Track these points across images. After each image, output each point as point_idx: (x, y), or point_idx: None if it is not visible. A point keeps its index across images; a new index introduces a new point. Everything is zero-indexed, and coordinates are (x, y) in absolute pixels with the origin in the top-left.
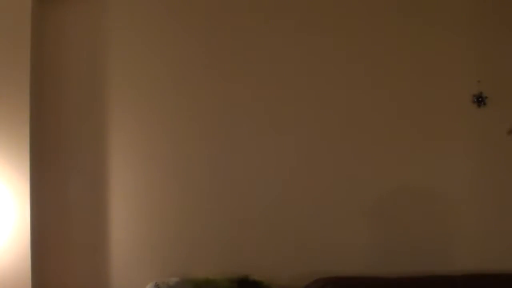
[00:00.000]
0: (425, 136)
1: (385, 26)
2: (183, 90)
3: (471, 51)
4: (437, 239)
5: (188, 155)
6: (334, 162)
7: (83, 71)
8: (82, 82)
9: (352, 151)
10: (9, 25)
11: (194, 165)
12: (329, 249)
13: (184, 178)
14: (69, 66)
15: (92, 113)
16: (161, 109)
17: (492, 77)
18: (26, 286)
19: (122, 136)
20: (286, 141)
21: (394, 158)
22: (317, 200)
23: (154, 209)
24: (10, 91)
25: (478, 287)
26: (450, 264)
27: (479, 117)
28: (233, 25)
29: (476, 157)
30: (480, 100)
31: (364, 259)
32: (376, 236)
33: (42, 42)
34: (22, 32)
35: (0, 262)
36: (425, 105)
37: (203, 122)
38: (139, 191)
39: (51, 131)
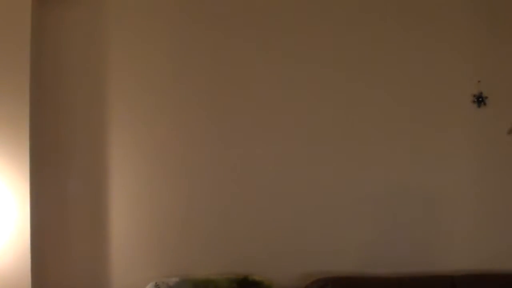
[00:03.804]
0: (425, 136)
1: (385, 26)
2: (183, 88)
3: (471, 51)
4: (437, 238)
5: (188, 155)
6: (334, 163)
7: (83, 70)
8: (82, 81)
9: (352, 152)
10: (9, 25)
11: (194, 165)
12: (329, 249)
13: (184, 178)
14: (69, 66)
15: (92, 113)
16: (161, 108)
17: (492, 77)
18: (26, 286)
19: (122, 136)
20: (287, 142)
21: (394, 158)
22: (317, 201)
23: (154, 209)
24: (10, 91)
25: (478, 287)
26: (450, 264)
27: (479, 117)
28: (233, 24)
29: (476, 157)
30: (480, 100)
31: (364, 259)
32: (377, 236)
33: (42, 42)
34: (22, 32)
35: (0, 262)
36: (425, 105)
37: (203, 122)
38: (139, 191)
39: (51, 131)
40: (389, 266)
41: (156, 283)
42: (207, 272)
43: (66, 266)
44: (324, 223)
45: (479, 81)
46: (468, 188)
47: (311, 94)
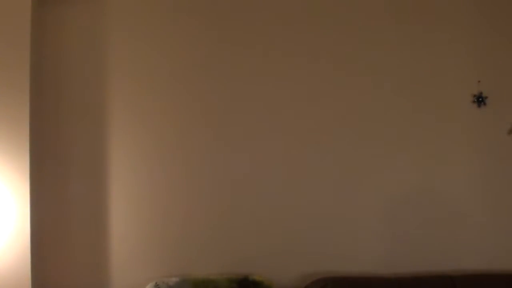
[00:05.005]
0: (425, 136)
1: (385, 26)
2: (183, 89)
3: (471, 51)
4: (437, 239)
5: (189, 155)
6: (334, 163)
7: (83, 71)
8: (82, 82)
9: (352, 153)
10: (9, 25)
11: (194, 165)
12: (329, 249)
13: (184, 178)
14: (69, 66)
15: (92, 113)
16: (161, 108)
17: (492, 77)
18: (26, 286)
19: (122, 136)
20: (287, 142)
21: (392, 158)
22: (317, 201)
23: (154, 209)
24: (10, 91)
25: (478, 287)
26: (450, 264)
27: (479, 117)
28: (233, 24)
29: (476, 157)
30: (480, 100)
31: (364, 259)
32: (376, 236)
33: (42, 42)
34: (22, 32)
35: (0, 262)
36: (425, 105)
37: (204, 122)
38: (139, 191)
39: (51, 131)
40: (389, 266)
41: (156, 283)
42: (207, 272)
43: (66, 266)
44: (324, 223)
45: (479, 81)
46: (467, 188)
47: (313, 95)
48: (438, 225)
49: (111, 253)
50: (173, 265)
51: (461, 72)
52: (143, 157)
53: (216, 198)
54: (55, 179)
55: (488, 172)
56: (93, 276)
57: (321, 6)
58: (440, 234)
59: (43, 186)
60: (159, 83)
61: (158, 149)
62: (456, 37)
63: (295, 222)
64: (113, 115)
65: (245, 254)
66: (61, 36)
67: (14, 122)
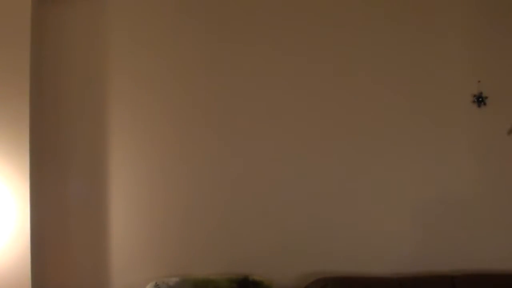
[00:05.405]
0: (425, 136)
1: (385, 26)
2: (183, 89)
3: (471, 51)
4: (437, 239)
5: (189, 155)
6: (334, 163)
7: (83, 71)
8: (82, 82)
9: (352, 153)
10: (9, 25)
11: (194, 164)
12: (329, 249)
13: (184, 178)
14: (69, 66)
15: (92, 113)
16: (161, 108)
17: (492, 77)
18: (26, 286)
19: (122, 136)
20: (287, 142)
21: (393, 159)
22: (317, 201)
23: (154, 209)
24: (10, 91)
25: (478, 287)
26: (450, 264)
27: (479, 117)
28: (233, 24)
29: (476, 157)
30: (480, 100)
31: (364, 259)
32: (376, 236)
33: (42, 42)
34: (22, 32)
35: (0, 262)
36: (425, 105)
37: (203, 121)
38: (139, 191)
39: (51, 131)
40: (389, 266)
41: (156, 283)
42: (207, 272)
43: (66, 266)
44: (324, 223)
45: (479, 81)
46: (467, 187)
47: (311, 94)
48: (438, 225)
49: (111, 253)
50: (173, 265)
51: (461, 72)
52: (143, 157)
53: (216, 198)
54: (55, 179)
55: (488, 172)
56: (93, 276)
57: (321, 6)
58: (440, 234)
59: (43, 186)
60: (159, 83)
61: (158, 149)
62: (456, 37)
63: (295, 222)
64: (113, 115)
65: (245, 254)
66: (61, 36)
67: (14, 122)
